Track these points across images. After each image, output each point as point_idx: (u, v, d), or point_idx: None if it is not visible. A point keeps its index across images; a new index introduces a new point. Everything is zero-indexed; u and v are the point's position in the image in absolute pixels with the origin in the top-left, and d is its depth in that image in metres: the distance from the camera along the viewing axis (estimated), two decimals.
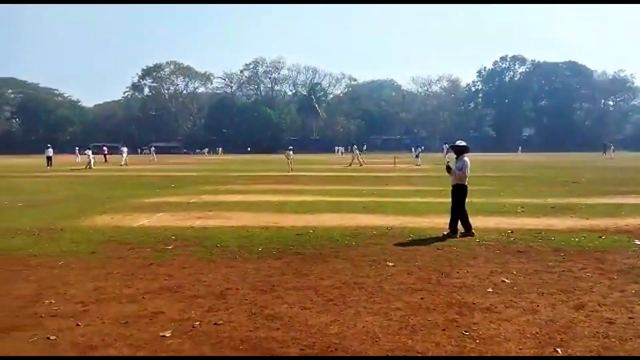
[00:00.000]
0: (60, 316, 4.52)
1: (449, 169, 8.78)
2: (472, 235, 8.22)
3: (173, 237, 8.27)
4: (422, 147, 37.43)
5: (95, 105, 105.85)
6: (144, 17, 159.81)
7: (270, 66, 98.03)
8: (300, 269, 6.11)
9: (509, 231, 8.67)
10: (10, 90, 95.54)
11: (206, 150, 75.48)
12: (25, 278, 5.87)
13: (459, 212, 8.33)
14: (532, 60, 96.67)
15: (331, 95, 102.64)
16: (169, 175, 25.37)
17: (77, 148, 51.40)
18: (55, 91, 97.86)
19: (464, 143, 8.71)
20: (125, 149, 39.76)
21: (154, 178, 23.16)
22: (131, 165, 36.32)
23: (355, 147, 37.34)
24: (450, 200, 8.65)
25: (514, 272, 5.94)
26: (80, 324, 4.30)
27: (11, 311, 4.68)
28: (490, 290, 5.23)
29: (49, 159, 34.73)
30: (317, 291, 5.16)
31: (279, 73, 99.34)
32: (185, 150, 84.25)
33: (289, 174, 22.45)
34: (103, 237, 8.39)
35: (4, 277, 5.91)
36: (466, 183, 8.43)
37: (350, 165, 34.02)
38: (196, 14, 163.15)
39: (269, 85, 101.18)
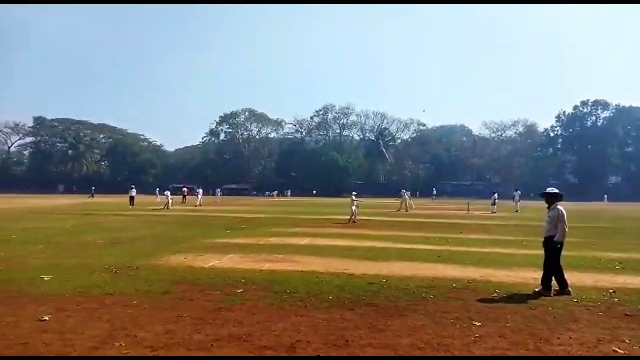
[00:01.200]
0: None
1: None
2: (569, 293, 7.29)
3: (242, 280, 8.11)
4: (497, 194, 35.54)
5: (175, 150, 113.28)
6: (221, 67, 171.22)
7: (339, 112, 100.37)
8: (376, 324, 5.62)
9: (611, 290, 7.62)
10: (101, 136, 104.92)
11: (275, 192, 77.14)
12: (99, 317, 5.88)
13: (552, 267, 7.47)
14: (615, 105, 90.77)
15: (399, 140, 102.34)
16: (240, 216, 25.87)
17: (157, 189, 54.61)
18: (141, 136, 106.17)
19: (555, 190, 7.92)
20: (200, 191, 41.51)
21: (226, 219, 23.69)
22: (205, 206, 37.68)
23: (404, 191, 36.42)
24: (542, 253, 7.80)
25: (627, 341, 5.08)
26: None
27: (83, 352, 4.63)
28: None
29: (131, 198, 36.99)
30: (396, 351, 4.65)
31: (347, 119, 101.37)
32: (255, 193, 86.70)
33: (351, 223, 20.94)
34: (176, 277, 8.42)
35: (81, 315, 5.96)
36: (563, 237, 7.52)
37: (398, 210, 32.96)
38: (270, 63, 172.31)
39: (338, 131, 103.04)
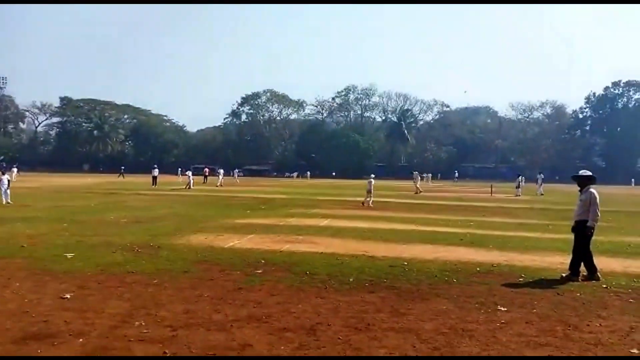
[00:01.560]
0: (148, 341, 4.36)
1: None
2: (598, 279, 7.02)
3: (262, 261, 8.07)
4: (523, 177, 34.80)
5: (198, 131, 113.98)
6: (243, 48, 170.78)
7: (361, 93, 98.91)
8: (398, 307, 5.50)
9: None
10: (126, 116, 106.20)
11: (295, 174, 77.25)
12: (120, 295, 5.91)
13: (582, 252, 7.19)
14: None
15: (422, 122, 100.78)
16: (260, 197, 25.96)
17: (179, 169, 55.30)
18: (164, 117, 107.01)
19: (588, 172, 7.59)
20: (221, 171, 41.78)
21: (246, 199, 23.79)
22: (225, 186, 37.95)
23: (416, 173, 36.34)
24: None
25: None
26: (167, 352, 4.09)
27: (103, 331, 4.63)
28: (635, 351, 4.25)
29: (154, 178, 37.48)
30: (419, 336, 4.52)
31: (369, 100, 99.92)
32: (275, 174, 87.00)
33: (366, 205, 20.11)
34: (196, 256, 8.44)
35: (102, 293, 6.00)
36: (595, 221, 7.21)
37: (416, 192, 32.25)
38: (294, 45, 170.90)
39: (359, 112, 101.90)
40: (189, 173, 35.97)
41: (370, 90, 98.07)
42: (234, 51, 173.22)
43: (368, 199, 20.57)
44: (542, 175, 35.72)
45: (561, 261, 8.49)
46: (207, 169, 47.92)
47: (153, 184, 36.44)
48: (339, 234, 11.74)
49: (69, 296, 5.82)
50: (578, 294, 6.21)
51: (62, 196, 23.98)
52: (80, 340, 4.41)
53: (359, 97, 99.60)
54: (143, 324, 4.85)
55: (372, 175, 22.53)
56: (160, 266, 7.59)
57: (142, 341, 4.36)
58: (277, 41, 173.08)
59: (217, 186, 37.27)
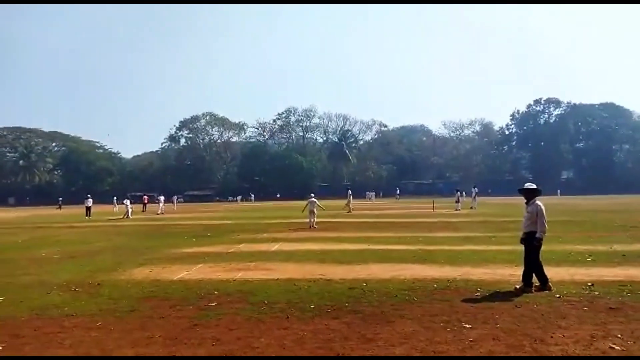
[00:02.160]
0: None
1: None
2: (550, 289, 7.25)
3: (216, 292, 7.64)
4: (463, 192, 36.37)
5: (133, 157, 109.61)
6: (178, 68, 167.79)
7: (302, 115, 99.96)
8: (364, 333, 5.32)
9: (589, 284, 7.65)
10: (54, 144, 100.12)
11: (239, 197, 75.91)
12: (60, 343, 5.30)
13: (533, 262, 7.41)
14: (567, 102, 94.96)
15: (362, 142, 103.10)
16: (204, 223, 25.08)
17: (114, 198, 52.49)
18: (96, 143, 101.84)
19: (534, 185, 7.88)
20: (162, 198, 40.15)
21: (190, 227, 22.89)
22: (166, 214, 36.43)
23: (350, 191, 37.10)
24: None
25: (619, 336, 5.01)
26: None
27: None
28: None
29: (88, 209, 35.27)
30: None
31: (310, 121, 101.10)
32: (218, 198, 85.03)
33: (312, 228, 19.60)
34: (142, 292, 7.84)
35: (40, 341, 5.35)
36: (543, 233, 7.47)
37: (348, 212, 32.27)
38: (231, 65, 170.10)
39: (301, 134, 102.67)
40: (127, 202, 34.31)
41: (311, 111, 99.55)
42: (169, 73, 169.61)
43: (313, 220, 20.30)
44: (477, 190, 37.36)
45: (511, 273, 8.73)
46: (146, 197, 45.91)
47: (87, 215, 34.28)
48: (292, 257, 11.46)
49: (0, 347, 5.14)
50: (535, 306, 6.35)
51: None
52: None
53: (299, 118, 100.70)
54: None
55: (312, 195, 22.18)
56: (102, 306, 6.95)
57: None
58: (213, 64, 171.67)
59: (157, 214, 35.73)
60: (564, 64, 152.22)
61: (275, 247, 13.78)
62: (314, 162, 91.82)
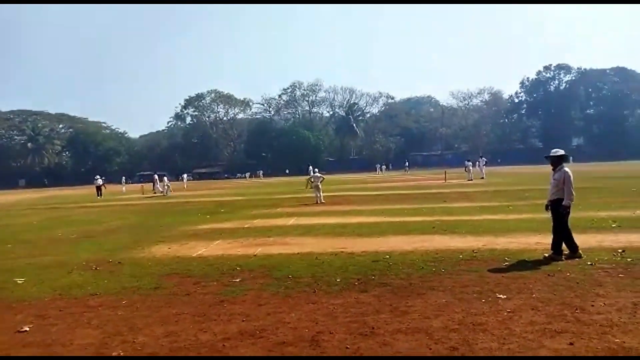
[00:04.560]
0: None
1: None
2: (580, 256, 7.07)
3: (238, 268, 7.54)
4: (476, 162, 36.04)
5: (140, 136, 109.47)
6: (181, 47, 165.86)
7: (307, 89, 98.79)
8: (397, 305, 5.19)
9: (620, 250, 7.46)
10: (61, 125, 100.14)
11: (247, 174, 75.94)
12: (87, 322, 5.23)
13: (561, 230, 7.20)
14: (577, 68, 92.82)
15: (368, 115, 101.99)
16: (217, 200, 25.06)
17: (123, 178, 52.63)
18: (103, 124, 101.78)
19: (561, 152, 7.59)
20: (156, 177, 39.48)
21: (202, 204, 22.86)
22: (177, 192, 36.44)
23: (311, 167, 33.80)
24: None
25: None
26: None
27: None
28: None
29: (98, 188, 35.33)
30: (431, 335, 4.23)
31: (316, 96, 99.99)
32: (226, 175, 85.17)
33: (319, 203, 19.11)
34: (164, 269, 7.77)
35: (65, 322, 5.29)
36: (570, 200, 7.23)
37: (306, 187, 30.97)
38: (235, 41, 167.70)
39: (307, 108, 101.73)
40: (165, 179, 33.88)
41: (316, 85, 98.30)
42: (174, 51, 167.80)
43: (319, 195, 19.86)
44: (485, 159, 36.84)
45: (537, 241, 8.56)
46: (156, 176, 45.79)
47: (98, 195, 34.36)
48: (310, 232, 11.34)
49: (27, 329, 5.08)
50: (568, 274, 6.18)
51: (0, 215, 22.03)
52: None
53: (305, 93, 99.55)
54: (122, 353, 4.26)
55: (316, 170, 21.76)
56: (125, 284, 6.88)
57: None
58: (219, 40, 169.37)
59: (158, 193, 35.07)
60: (573, 29, 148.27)
61: (291, 221, 13.67)
62: (321, 136, 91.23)
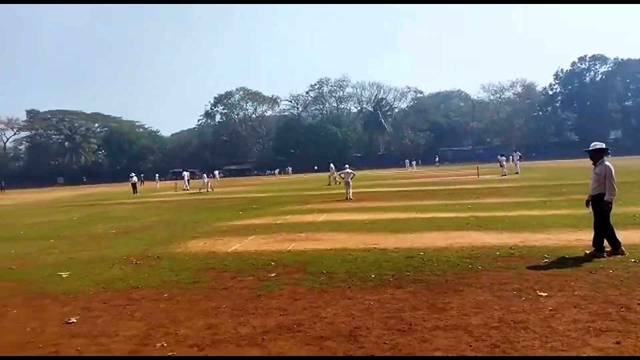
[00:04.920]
0: None
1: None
2: (623, 253, 6.85)
3: (272, 263, 7.65)
4: (510, 156, 35.34)
5: (172, 135, 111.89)
6: (212, 48, 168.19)
7: (335, 85, 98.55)
8: (433, 302, 5.17)
9: None
10: (96, 125, 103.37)
11: (277, 170, 76.56)
12: (130, 315, 5.42)
13: (603, 226, 6.99)
14: (614, 59, 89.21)
15: (397, 110, 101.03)
16: (248, 197, 25.39)
17: (157, 175, 54.01)
18: (136, 123, 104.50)
19: (601, 145, 7.36)
20: (205, 175, 40.23)
21: (234, 200, 23.20)
22: (194, 189, 37.05)
23: (332, 165, 35.18)
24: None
25: None
26: None
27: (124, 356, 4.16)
28: None
29: (134, 185, 36.36)
30: (471, 333, 4.19)
31: (343, 91, 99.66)
32: (256, 172, 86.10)
33: (348, 199, 19.11)
34: (201, 264, 7.95)
35: (110, 314, 5.50)
36: (612, 195, 7.00)
37: (329, 184, 31.54)
38: (262, 39, 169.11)
39: (334, 104, 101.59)
40: (204, 175, 34.55)
41: (343, 81, 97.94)
42: (202, 50, 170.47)
43: (349, 191, 19.74)
44: (519, 154, 35.93)
45: (577, 238, 8.34)
46: (187, 173, 46.78)
47: (134, 192, 35.36)
48: (341, 228, 11.37)
49: (74, 320, 5.30)
50: (611, 271, 6.00)
51: (42, 212, 22.94)
52: None
53: (332, 89, 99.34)
54: (165, 344, 4.40)
55: (346, 165, 21.75)
56: (165, 278, 7.09)
57: None
58: (247, 39, 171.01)
59: (200, 191, 35.86)
60: (608, 18, 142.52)
61: (322, 217, 13.73)
62: (349, 132, 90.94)
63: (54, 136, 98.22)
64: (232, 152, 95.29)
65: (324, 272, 6.85)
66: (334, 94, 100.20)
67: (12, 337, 4.89)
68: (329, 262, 7.48)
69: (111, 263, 8.50)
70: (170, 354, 4.18)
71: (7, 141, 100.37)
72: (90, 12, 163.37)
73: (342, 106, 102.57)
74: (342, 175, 20.51)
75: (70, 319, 5.33)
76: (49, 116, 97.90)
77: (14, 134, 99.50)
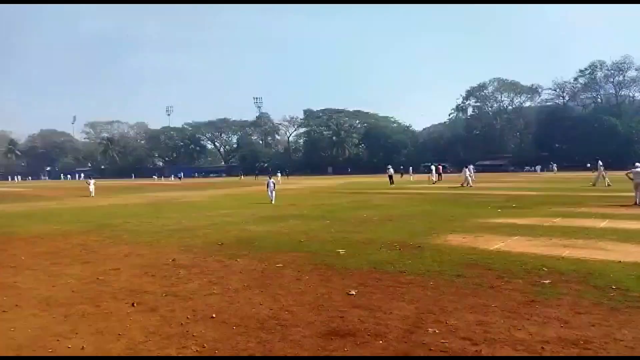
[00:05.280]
0: (451, 354, 3.97)
1: None
2: None
3: (545, 269, 6.96)
4: None
5: (423, 129, 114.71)
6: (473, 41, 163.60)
7: (612, 69, 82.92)
8: None
9: None
10: (357, 121, 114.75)
11: (538, 167, 69.70)
12: (401, 296, 5.78)
13: None
14: None
15: None
16: (505, 194, 23.87)
17: (410, 168, 56.25)
18: (391, 118, 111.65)
19: None
20: (466, 169, 39.00)
21: (490, 197, 22.15)
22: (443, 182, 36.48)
23: (600, 162, 30.38)
24: None
25: None
26: None
27: (398, 335, 4.47)
28: None
29: (390, 177, 38.77)
30: None
31: (624, 75, 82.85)
32: (512, 168, 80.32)
33: (637, 204, 16.01)
34: (463, 259, 7.87)
35: (383, 292, 5.99)
36: None
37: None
38: (527, 26, 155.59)
39: (612, 91, 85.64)
40: (470, 167, 34.36)
41: (624, 64, 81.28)
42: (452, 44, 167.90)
43: (638, 195, 16.35)
44: None
45: None
46: (439, 166, 47.11)
47: (390, 183, 37.69)
48: (632, 238, 9.50)
49: (354, 292, 5.97)
50: None
51: (317, 196, 26.80)
52: (380, 342, 4.33)
53: (609, 73, 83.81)
54: (437, 332, 4.52)
55: (637, 164, 17.66)
56: (429, 267, 7.29)
57: (444, 353, 4.00)
58: (499, 27, 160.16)
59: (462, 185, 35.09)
60: None
61: (602, 223, 11.78)
62: (633, 124, 75.27)
63: (324, 132, 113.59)
64: (486, 147, 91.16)
65: (614, 287, 5.86)
66: (610, 79, 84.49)
67: (307, 298, 5.85)
68: (618, 277, 6.36)
69: (378, 246, 9.25)
70: (442, 341, 4.27)
71: (289, 136, 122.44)
72: (350, 22, 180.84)
73: (623, 93, 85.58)
74: (631, 176, 17.12)
75: (350, 291, 6.04)
76: (320, 114, 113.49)
77: (294, 130, 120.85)
